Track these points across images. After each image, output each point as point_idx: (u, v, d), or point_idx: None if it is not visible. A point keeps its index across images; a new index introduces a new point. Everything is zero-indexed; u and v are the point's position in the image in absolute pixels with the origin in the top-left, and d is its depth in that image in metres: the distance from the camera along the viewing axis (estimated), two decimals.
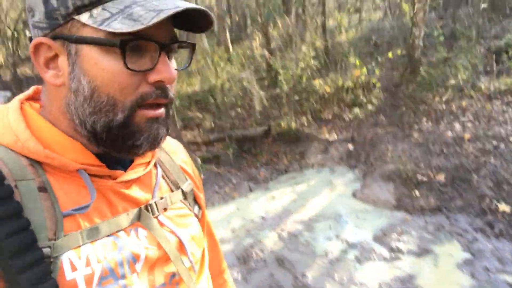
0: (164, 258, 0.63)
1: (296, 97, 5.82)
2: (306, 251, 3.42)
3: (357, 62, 6.22)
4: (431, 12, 7.66)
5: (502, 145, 4.31)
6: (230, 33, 8.69)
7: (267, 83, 5.90)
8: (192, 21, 0.58)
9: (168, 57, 0.57)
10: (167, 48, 0.56)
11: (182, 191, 0.72)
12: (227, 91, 6.02)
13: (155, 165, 0.70)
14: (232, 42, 8.60)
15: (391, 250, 3.29)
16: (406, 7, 7.65)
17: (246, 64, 6.31)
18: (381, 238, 3.46)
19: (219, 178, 5.08)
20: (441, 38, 6.65)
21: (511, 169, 3.90)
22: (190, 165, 0.81)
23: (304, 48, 6.71)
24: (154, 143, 0.58)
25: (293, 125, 5.60)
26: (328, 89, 5.98)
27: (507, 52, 6.41)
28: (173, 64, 0.59)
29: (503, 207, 3.52)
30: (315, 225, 3.82)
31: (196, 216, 0.75)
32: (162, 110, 0.58)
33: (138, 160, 0.65)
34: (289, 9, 8.22)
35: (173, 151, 0.78)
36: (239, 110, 5.88)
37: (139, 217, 0.62)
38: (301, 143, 5.53)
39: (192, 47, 0.62)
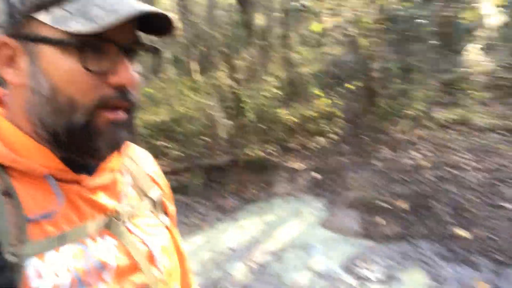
0: (134, 268, 0.61)
1: (262, 126, 5.91)
2: (275, 283, 3.39)
3: (320, 93, 6.45)
4: (387, 46, 8.14)
5: (457, 173, 4.56)
6: (197, 63, 8.78)
7: (233, 112, 5.96)
8: (155, 25, 0.58)
9: (130, 60, 0.57)
10: (128, 50, 0.56)
11: (151, 200, 0.71)
12: (193, 120, 6.02)
13: (123, 172, 0.69)
14: (199, 72, 8.68)
15: (359, 278, 3.33)
16: (364, 41, 8.09)
17: (212, 93, 6.38)
18: (349, 267, 3.50)
19: (186, 208, 4.98)
20: (397, 71, 7.07)
21: (467, 196, 4.11)
22: (160, 176, 0.80)
23: (268, 78, 6.89)
24: (115, 146, 0.58)
25: (260, 154, 5.65)
26: (292, 119, 6.12)
27: (457, 85, 6.91)
28: (137, 67, 0.59)
29: (462, 233, 3.68)
30: (284, 256, 3.80)
31: (167, 227, 0.74)
32: (123, 114, 0.57)
33: (104, 166, 0.63)
34: (254, 41, 8.46)
35: (142, 159, 0.77)
36: (206, 139, 5.87)
37: (107, 224, 0.60)
38: (268, 173, 5.56)
39: (156, 51, 0.62)
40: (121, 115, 0.57)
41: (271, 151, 5.77)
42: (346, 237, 4.01)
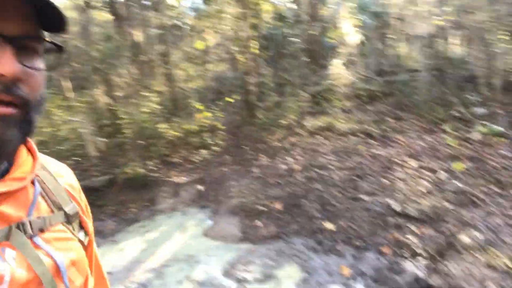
0: (36, 282, 0.56)
1: (142, 142, 5.74)
2: None
3: (200, 107, 6.56)
4: (263, 63, 8.72)
5: (324, 173, 5.06)
6: (69, 80, 8.15)
7: (110, 130, 5.68)
8: (49, 20, 0.55)
9: (21, 54, 0.53)
10: (17, 43, 0.52)
11: (65, 213, 0.67)
12: (62, 140, 5.55)
13: (34, 182, 0.63)
14: (71, 89, 8.07)
15: (238, 281, 3.43)
16: (242, 58, 8.53)
17: (86, 111, 5.99)
18: (229, 271, 3.58)
19: None
20: (272, 85, 7.61)
21: (332, 192, 4.58)
22: (78, 191, 0.76)
23: (148, 94, 6.76)
24: (1, 146, 0.53)
25: (141, 171, 5.46)
26: (175, 133, 6.09)
27: (323, 96, 7.71)
28: (37, 64, 0.56)
29: (328, 225, 4.07)
30: (165, 271, 3.71)
31: (82, 242, 0.70)
32: (9, 109, 0.52)
33: (12, 174, 0.58)
34: (133, 58, 8.23)
35: (58, 173, 0.73)
36: (78, 159, 5.45)
37: (7, 235, 0.55)
38: (150, 189, 5.40)
39: (60, 49, 0.59)
40: (8, 110, 0.52)
41: (153, 167, 5.64)
42: (227, 244, 4.10)
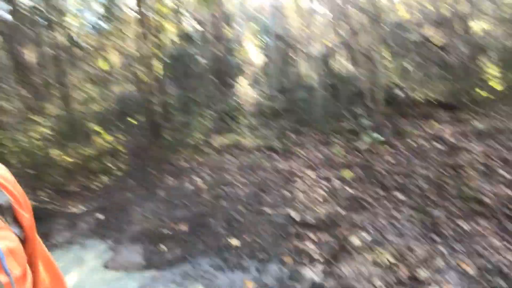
0: None
1: (31, 172, 5.22)
2: None
3: (101, 131, 6.22)
4: (168, 82, 8.62)
5: (230, 189, 5.12)
6: None
7: None
8: None
9: None
10: None
11: None
12: None
13: None
14: None
15: None
16: (146, 78, 8.33)
17: None
18: None
19: None
20: (178, 105, 7.55)
21: (237, 209, 4.64)
22: (11, 182, 0.73)
23: (39, 118, 6.21)
24: None
25: (31, 203, 4.94)
26: (70, 160, 5.65)
27: (230, 114, 7.86)
28: None
29: (234, 241, 4.10)
30: None
31: (18, 236, 0.67)
32: None
33: None
34: (24, 79, 7.53)
35: None
36: None
37: None
38: (43, 223, 4.90)
39: None
40: None
41: (45, 198, 5.14)
42: (129, 273, 3.88)
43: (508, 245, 3.31)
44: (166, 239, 4.23)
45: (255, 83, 10.02)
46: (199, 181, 5.47)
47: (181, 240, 4.19)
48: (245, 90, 9.25)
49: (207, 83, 9.60)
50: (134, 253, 4.15)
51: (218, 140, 6.72)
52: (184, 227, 4.37)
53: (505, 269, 3.01)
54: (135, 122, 7.10)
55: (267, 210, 4.55)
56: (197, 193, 5.11)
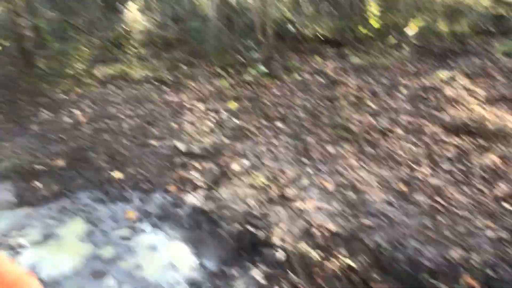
0: None
1: None
2: None
3: None
4: (40, 2, 7.48)
5: (114, 122, 4.89)
6: None
7: None
8: None
9: None
10: None
11: None
12: None
13: None
14: None
15: (12, 248, 3.10)
16: None
17: None
18: (1, 241, 3.18)
19: None
20: (57, 29, 6.67)
21: (120, 142, 4.50)
22: None
23: None
24: None
25: None
26: None
27: (117, 42, 7.25)
28: None
29: (117, 174, 4.02)
30: None
31: None
32: None
33: None
34: None
35: None
36: None
37: None
38: None
39: None
40: None
41: None
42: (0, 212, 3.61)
43: (363, 165, 3.84)
44: (40, 176, 3.96)
45: (146, 9, 9.25)
46: (78, 114, 5.09)
47: (58, 176, 3.97)
48: (135, 17, 8.51)
49: (90, 6, 8.58)
50: (3, 191, 3.82)
51: (102, 71, 6.22)
52: (61, 162, 4.12)
53: (358, 184, 3.52)
54: (0, 48, 6.14)
55: (153, 142, 4.51)
56: (76, 127, 4.78)
